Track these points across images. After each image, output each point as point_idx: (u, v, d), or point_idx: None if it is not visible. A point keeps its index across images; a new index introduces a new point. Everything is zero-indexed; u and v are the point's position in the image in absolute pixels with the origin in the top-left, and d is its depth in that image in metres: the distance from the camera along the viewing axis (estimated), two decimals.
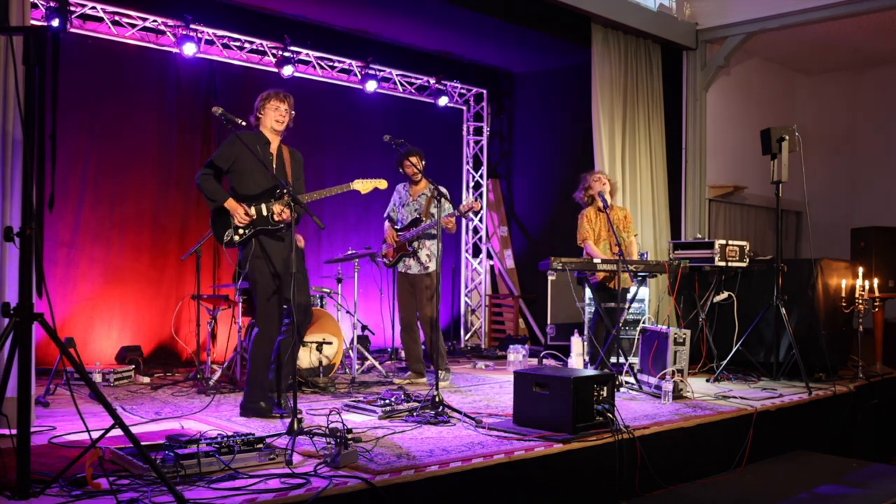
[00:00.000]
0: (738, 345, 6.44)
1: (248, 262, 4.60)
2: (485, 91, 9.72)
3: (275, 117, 4.71)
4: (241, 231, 4.61)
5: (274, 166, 4.70)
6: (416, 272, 6.11)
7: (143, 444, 3.14)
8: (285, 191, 4.37)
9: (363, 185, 4.97)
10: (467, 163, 9.79)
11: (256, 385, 4.62)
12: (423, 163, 6.10)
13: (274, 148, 4.77)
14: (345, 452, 3.47)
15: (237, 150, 4.60)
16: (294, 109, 4.81)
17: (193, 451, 3.27)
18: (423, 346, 6.28)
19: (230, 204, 4.58)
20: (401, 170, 6.22)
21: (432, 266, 6.07)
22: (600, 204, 6.16)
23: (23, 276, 3.00)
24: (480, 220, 9.74)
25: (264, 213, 4.61)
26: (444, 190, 5.55)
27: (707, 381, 6.34)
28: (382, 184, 5.05)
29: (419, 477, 3.38)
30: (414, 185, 6.23)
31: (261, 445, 3.48)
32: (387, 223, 6.35)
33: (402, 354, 6.60)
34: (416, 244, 6.10)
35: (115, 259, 6.98)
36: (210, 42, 7.36)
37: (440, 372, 5.88)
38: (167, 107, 7.28)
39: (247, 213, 4.57)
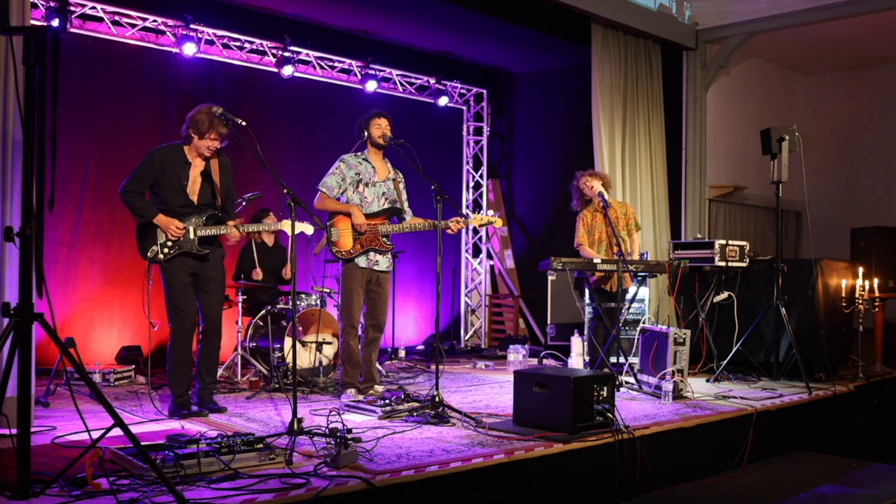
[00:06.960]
0: (738, 345, 6.44)
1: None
2: (485, 91, 9.72)
3: (210, 146, 4.56)
4: (166, 250, 4.55)
5: (199, 182, 4.62)
6: (383, 268, 5.34)
7: (143, 444, 3.14)
8: (286, 191, 4.35)
9: (306, 227, 4.97)
10: (467, 163, 9.79)
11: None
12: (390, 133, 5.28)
13: (198, 165, 4.63)
14: (345, 452, 3.47)
15: (157, 166, 4.53)
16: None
17: (193, 451, 3.27)
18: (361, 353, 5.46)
19: (160, 219, 4.51)
20: (364, 133, 5.31)
21: (391, 263, 5.47)
22: (599, 205, 6.14)
23: (23, 277, 3.00)
24: None
25: (191, 235, 4.57)
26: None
27: (707, 381, 6.34)
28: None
29: (419, 477, 3.38)
30: (374, 151, 5.35)
31: (261, 445, 3.48)
32: (338, 203, 5.28)
33: (368, 360, 5.47)
34: (388, 239, 5.32)
35: (115, 259, 6.98)
36: (210, 42, 7.36)
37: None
38: (167, 107, 7.27)
39: (178, 228, 4.51)
